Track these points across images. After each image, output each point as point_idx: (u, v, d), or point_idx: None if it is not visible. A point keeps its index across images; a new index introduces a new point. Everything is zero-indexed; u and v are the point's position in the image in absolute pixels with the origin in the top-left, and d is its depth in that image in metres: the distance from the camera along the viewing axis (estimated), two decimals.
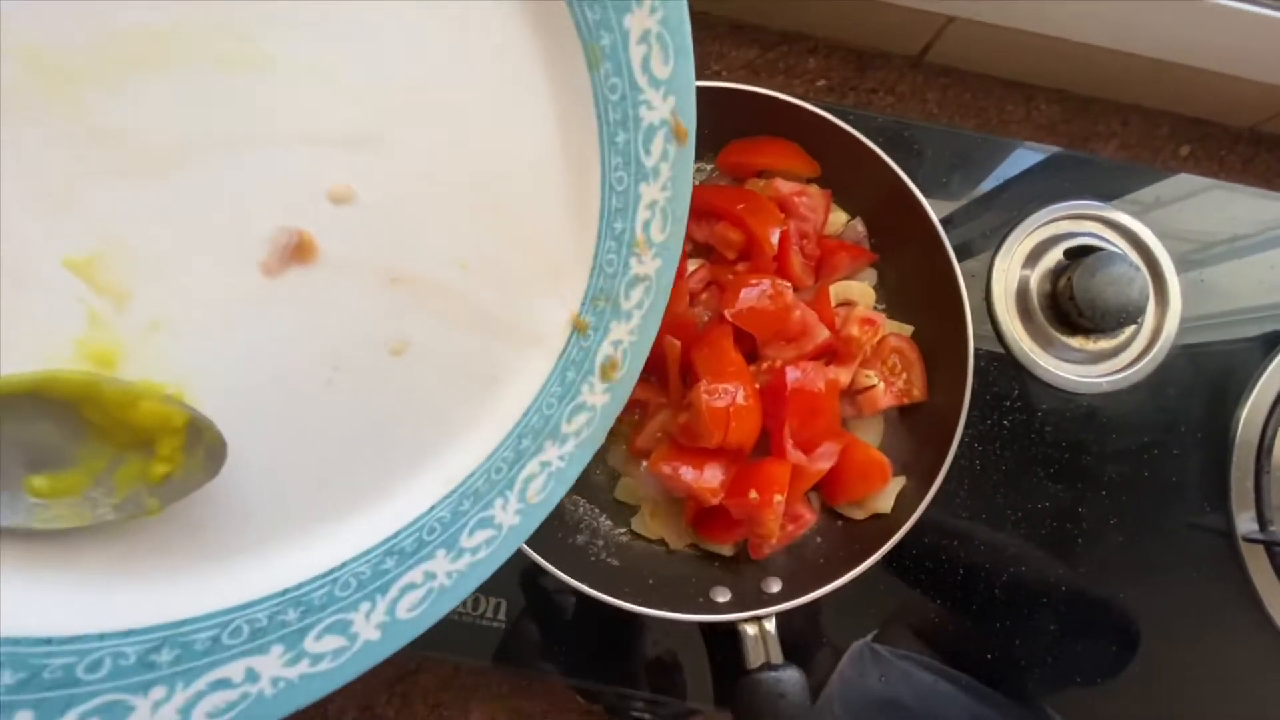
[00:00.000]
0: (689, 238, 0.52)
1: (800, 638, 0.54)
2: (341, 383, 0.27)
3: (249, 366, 0.25)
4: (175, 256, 0.23)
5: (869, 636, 0.55)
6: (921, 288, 0.52)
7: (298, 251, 0.25)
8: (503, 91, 0.29)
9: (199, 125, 0.23)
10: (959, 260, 0.49)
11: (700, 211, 0.51)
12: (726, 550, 0.51)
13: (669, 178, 0.30)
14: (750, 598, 0.48)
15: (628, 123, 0.30)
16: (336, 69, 0.25)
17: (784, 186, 0.52)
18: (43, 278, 0.22)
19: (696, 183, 0.56)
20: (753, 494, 0.45)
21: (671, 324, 0.48)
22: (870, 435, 0.52)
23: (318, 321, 0.26)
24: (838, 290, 0.52)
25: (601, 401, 0.32)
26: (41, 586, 0.23)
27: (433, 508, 0.29)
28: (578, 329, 0.32)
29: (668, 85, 0.29)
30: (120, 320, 0.23)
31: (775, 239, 0.49)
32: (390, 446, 0.29)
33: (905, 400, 0.51)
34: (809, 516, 0.50)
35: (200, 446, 0.24)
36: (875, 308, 0.54)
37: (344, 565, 0.27)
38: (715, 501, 0.46)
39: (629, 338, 0.32)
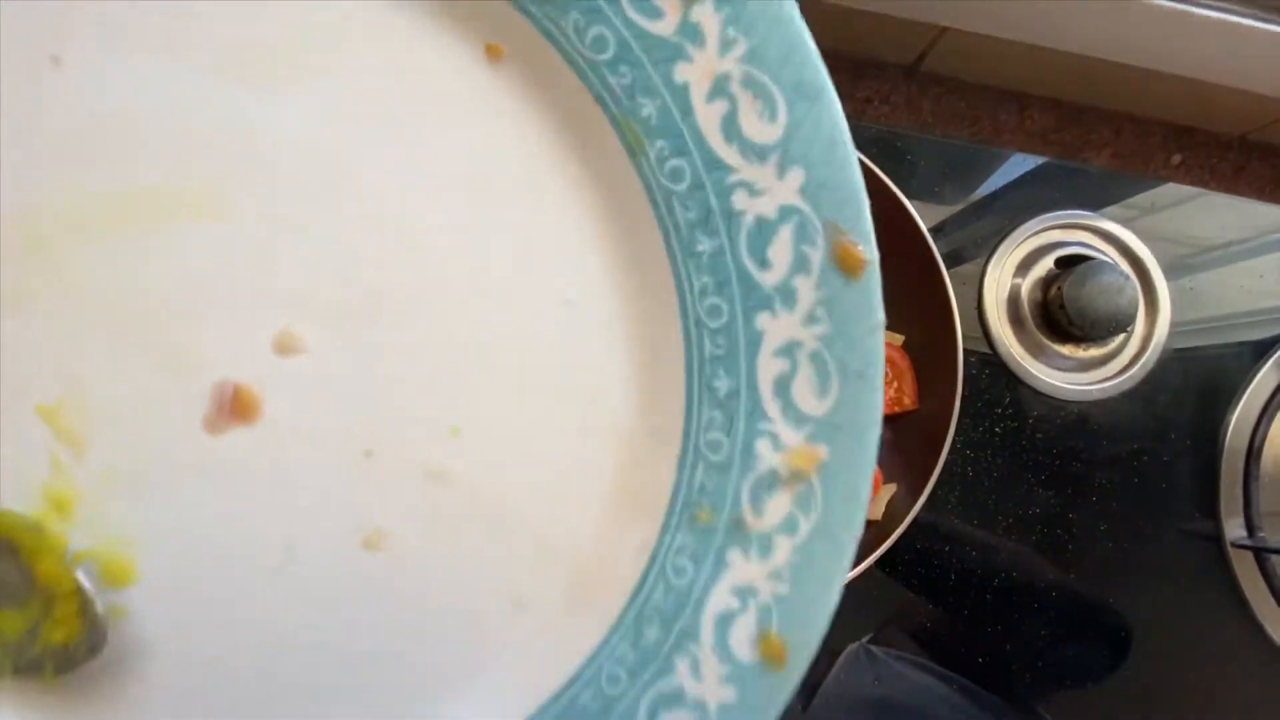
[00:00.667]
0: None
1: None
2: (296, 573, 0.21)
3: (193, 534, 0.21)
4: (128, 406, 0.21)
5: (864, 639, 0.55)
6: (912, 297, 0.52)
7: (237, 408, 0.21)
8: (507, 203, 0.21)
9: (155, 276, 0.21)
10: (951, 268, 0.50)
11: None
12: None
13: (818, 302, 0.18)
14: None
15: (712, 221, 0.19)
16: (303, 220, 0.22)
17: None
18: (15, 422, 0.21)
19: None
20: None
21: None
22: None
23: (266, 493, 0.21)
24: None
25: (717, 699, 0.18)
26: None
27: None
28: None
29: (783, 151, 0.18)
30: (79, 467, 0.21)
31: None
32: (356, 666, 0.21)
33: (896, 409, 0.52)
34: None
35: (87, 618, 0.21)
36: None
37: None
38: None
39: (772, 586, 0.18)
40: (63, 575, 0.21)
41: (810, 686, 0.53)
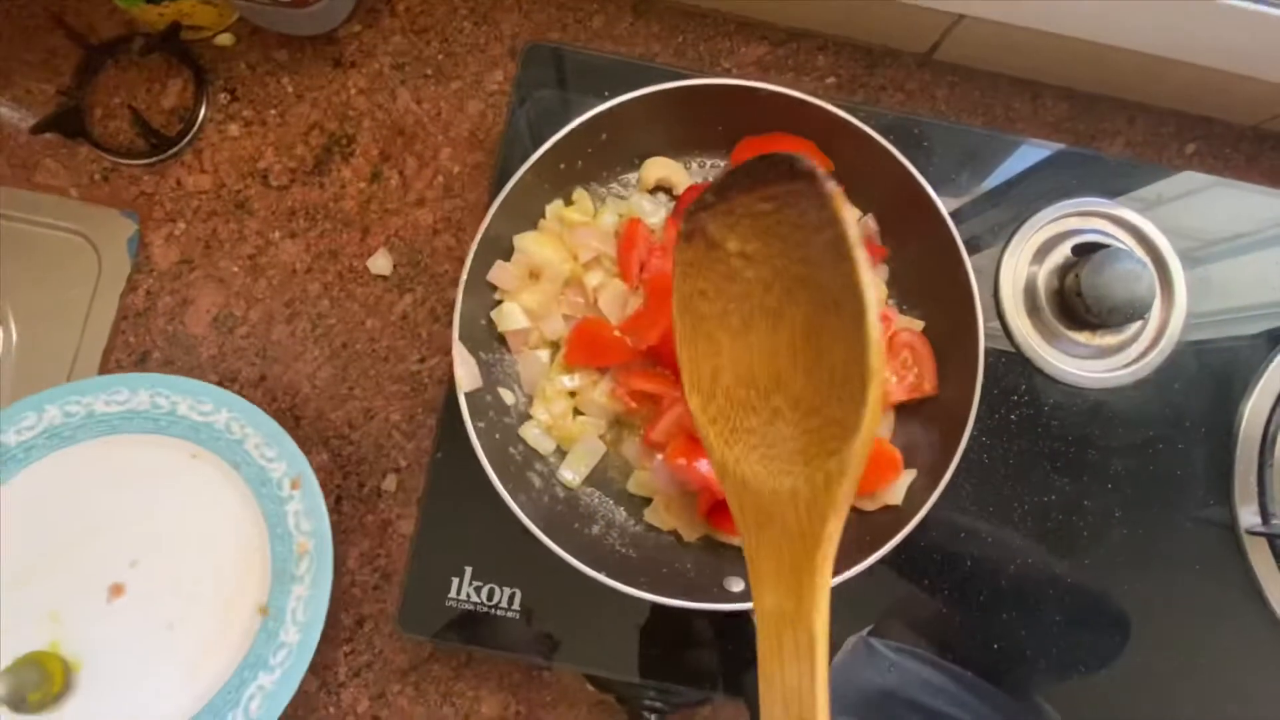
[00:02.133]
0: None
1: None
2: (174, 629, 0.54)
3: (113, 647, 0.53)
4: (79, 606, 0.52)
5: (865, 630, 0.55)
6: (932, 283, 0.53)
7: (116, 591, 0.53)
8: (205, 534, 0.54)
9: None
10: (968, 255, 0.50)
11: None
12: (739, 541, 0.51)
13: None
14: None
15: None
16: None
17: None
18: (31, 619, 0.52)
19: (711, 178, 0.56)
20: None
21: None
22: (882, 429, 0.53)
23: (138, 618, 0.53)
24: None
25: (295, 640, 0.52)
26: None
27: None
28: (262, 613, 0.52)
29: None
30: (61, 629, 0.53)
31: None
32: (176, 663, 0.52)
33: (916, 394, 0.52)
34: None
35: (63, 685, 0.51)
36: (887, 303, 0.55)
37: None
38: None
39: (305, 593, 0.53)
40: (59, 670, 0.51)
41: None
